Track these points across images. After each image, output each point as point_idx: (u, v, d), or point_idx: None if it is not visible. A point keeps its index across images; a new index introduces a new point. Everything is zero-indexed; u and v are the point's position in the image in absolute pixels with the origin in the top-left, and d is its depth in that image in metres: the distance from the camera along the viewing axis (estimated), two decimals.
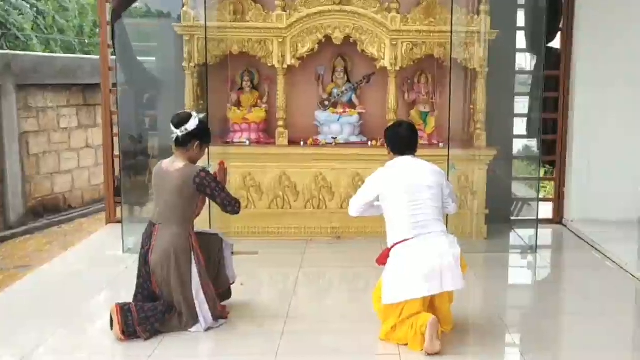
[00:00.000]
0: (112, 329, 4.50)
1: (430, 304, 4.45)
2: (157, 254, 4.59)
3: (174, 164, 4.66)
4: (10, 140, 9.91)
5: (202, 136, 4.71)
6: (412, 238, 4.41)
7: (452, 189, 4.80)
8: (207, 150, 4.98)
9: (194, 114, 4.74)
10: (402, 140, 4.68)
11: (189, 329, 4.63)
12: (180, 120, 4.65)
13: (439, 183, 4.58)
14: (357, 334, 4.65)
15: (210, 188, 4.63)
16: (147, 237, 4.68)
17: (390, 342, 4.45)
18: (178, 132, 4.62)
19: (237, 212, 4.80)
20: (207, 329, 4.66)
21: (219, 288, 4.94)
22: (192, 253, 4.63)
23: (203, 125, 4.74)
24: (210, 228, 5.95)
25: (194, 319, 4.62)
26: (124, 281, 5.78)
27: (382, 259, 4.57)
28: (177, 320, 4.62)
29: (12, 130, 9.95)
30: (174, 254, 4.57)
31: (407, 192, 4.47)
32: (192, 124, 4.63)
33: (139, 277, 4.72)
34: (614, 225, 7.32)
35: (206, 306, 4.65)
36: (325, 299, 5.65)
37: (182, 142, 4.65)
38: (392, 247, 4.49)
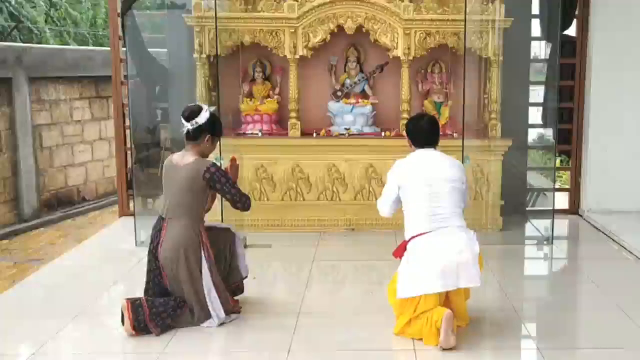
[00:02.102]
0: (123, 324, 4.47)
1: (446, 299, 4.39)
2: (166, 249, 4.55)
3: (184, 158, 4.62)
4: (23, 134, 9.92)
5: (213, 129, 4.66)
6: (430, 231, 4.34)
7: (467, 185, 4.73)
8: (218, 143, 4.92)
9: (205, 106, 4.69)
10: (423, 133, 4.60)
11: (202, 324, 4.60)
12: (191, 113, 4.59)
13: (459, 177, 4.50)
14: (372, 328, 4.60)
15: (220, 183, 4.57)
16: (157, 232, 4.64)
17: (405, 336, 4.40)
18: (189, 126, 4.57)
19: (247, 209, 4.74)
20: (220, 324, 4.62)
21: (231, 283, 4.90)
22: (202, 249, 4.59)
23: (214, 118, 4.68)
24: (222, 221, 5.93)
25: (206, 315, 4.59)
26: (137, 275, 5.75)
27: (399, 252, 4.51)
28: (189, 316, 4.58)
29: (25, 124, 9.96)
30: (184, 250, 4.52)
31: (426, 184, 4.40)
32: (202, 117, 4.57)
33: (149, 271, 4.68)
34: (631, 216, 7.25)
35: (218, 302, 4.61)
36: (339, 292, 5.60)
37: (193, 136, 4.60)
38: (410, 240, 4.43)
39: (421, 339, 4.31)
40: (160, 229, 4.62)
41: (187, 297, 4.58)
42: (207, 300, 4.58)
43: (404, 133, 4.82)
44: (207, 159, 4.71)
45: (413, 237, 4.40)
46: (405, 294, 4.31)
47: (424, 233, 4.36)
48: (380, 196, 4.68)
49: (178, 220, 4.59)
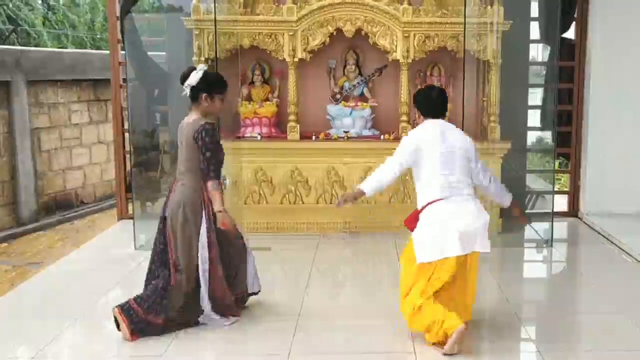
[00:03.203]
0: (119, 330, 4.46)
1: (460, 274, 4.40)
2: (170, 206, 4.63)
3: (188, 117, 4.68)
4: (22, 137, 9.90)
5: (207, 88, 4.64)
6: (444, 199, 4.37)
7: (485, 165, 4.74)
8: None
9: (200, 66, 4.71)
10: (434, 103, 4.62)
11: (199, 318, 4.62)
12: (183, 76, 4.64)
13: (469, 148, 4.55)
14: (372, 331, 4.59)
15: (203, 142, 4.52)
16: (168, 193, 4.75)
17: (412, 327, 4.39)
18: (184, 88, 4.62)
19: (213, 183, 4.56)
20: (217, 320, 4.64)
21: (234, 293, 4.86)
22: (203, 207, 4.61)
23: (207, 77, 4.65)
24: None
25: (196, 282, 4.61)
26: (136, 278, 5.74)
27: (412, 221, 4.51)
28: (184, 284, 4.57)
29: (23, 127, 9.94)
30: (183, 206, 4.58)
31: (441, 151, 4.43)
32: (193, 79, 4.60)
33: (155, 244, 4.72)
34: (630, 218, 7.27)
35: (207, 273, 4.61)
36: (339, 295, 5.60)
37: (192, 97, 4.65)
38: (424, 207, 4.43)
39: (424, 332, 4.32)
40: (171, 190, 4.72)
41: (180, 257, 4.58)
42: (199, 266, 4.59)
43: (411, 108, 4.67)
44: (202, 120, 4.62)
45: (428, 204, 4.41)
46: (427, 258, 4.30)
47: (438, 200, 4.37)
48: (386, 163, 4.58)
49: (183, 178, 4.66)
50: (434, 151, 4.42)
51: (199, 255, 4.59)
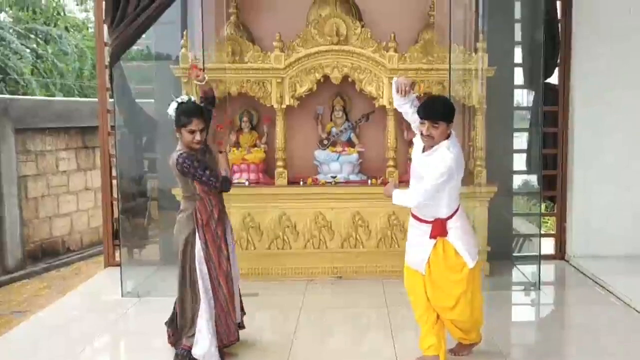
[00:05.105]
0: None
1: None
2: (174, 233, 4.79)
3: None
4: (9, 185, 9.87)
5: (175, 121, 4.62)
6: (459, 204, 4.67)
7: None
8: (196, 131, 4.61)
9: (180, 98, 4.68)
10: None
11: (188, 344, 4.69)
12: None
13: None
14: None
15: (191, 173, 4.54)
16: None
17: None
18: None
19: (227, 189, 4.73)
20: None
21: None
22: (197, 229, 4.65)
23: (176, 110, 4.61)
24: None
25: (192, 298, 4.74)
26: (122, 326, 5.72)
27: (441, 231, 4.57)
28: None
29: (10, 175, 9.92)
30: (176, 227, 4.72)
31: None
32: (170, 111, 4.64)
33: None
34: (617, 260, 7.29)
35: (210, 292, 4.70)
36: (327, 340, 5.56)
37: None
38: (451, 216, 4.57)
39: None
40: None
41: (179, 275, 4.74)
42: (199, 282, 4.65)
43: (434, 123, 4.56)
44: (181, 150, 4.62)
45: (454, 213, 4.59)
46: (475, 261, 4.59)
47: (458, 207, 4.64)
48: (424, 189, 4.48)
49: (182, 205, 4.78)
50: (463, 166, 4.62)
51: (198, 272, 4.65)
